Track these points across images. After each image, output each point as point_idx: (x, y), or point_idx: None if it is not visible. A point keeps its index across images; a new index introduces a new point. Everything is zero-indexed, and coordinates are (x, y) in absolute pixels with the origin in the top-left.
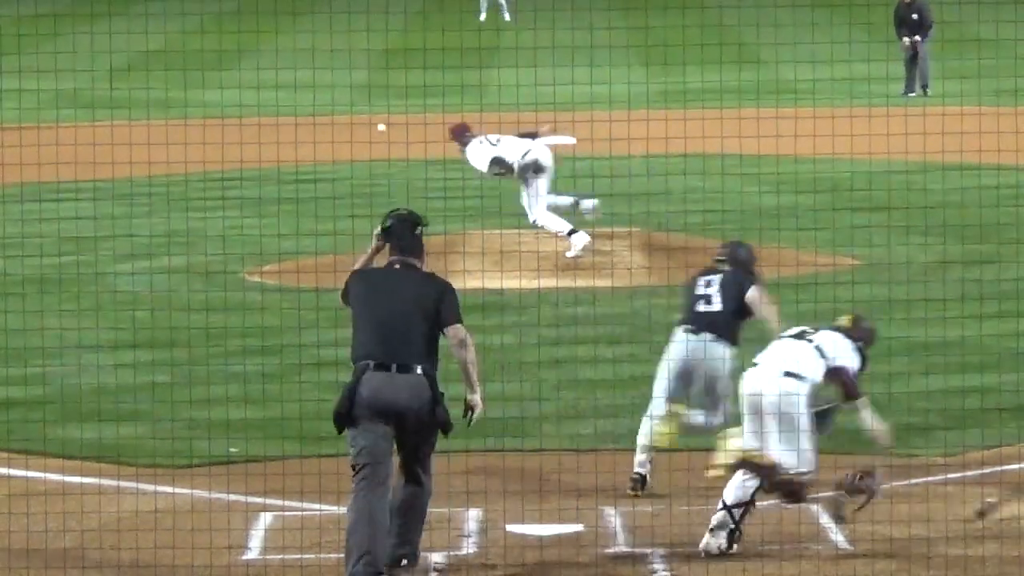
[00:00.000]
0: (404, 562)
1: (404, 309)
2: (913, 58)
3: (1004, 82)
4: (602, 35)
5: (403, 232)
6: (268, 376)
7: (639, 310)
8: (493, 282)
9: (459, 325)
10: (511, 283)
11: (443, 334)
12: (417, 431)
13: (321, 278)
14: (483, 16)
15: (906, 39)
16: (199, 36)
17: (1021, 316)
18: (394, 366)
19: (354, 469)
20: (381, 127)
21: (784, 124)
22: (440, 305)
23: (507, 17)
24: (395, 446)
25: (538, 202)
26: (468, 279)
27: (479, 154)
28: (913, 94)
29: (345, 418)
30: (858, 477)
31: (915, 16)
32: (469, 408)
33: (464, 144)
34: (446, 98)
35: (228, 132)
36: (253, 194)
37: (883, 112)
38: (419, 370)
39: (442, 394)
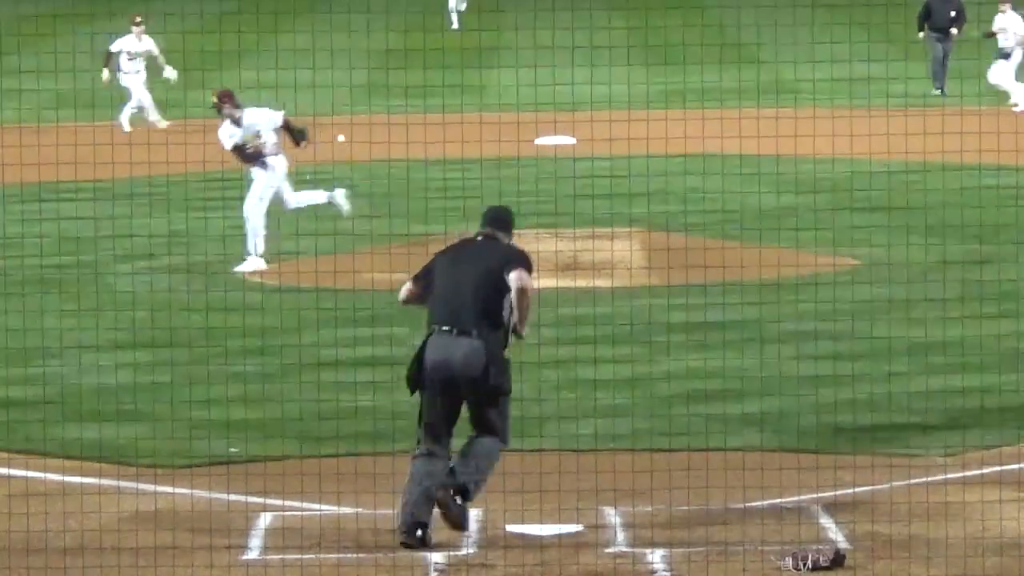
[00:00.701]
0: (456, 497)
1: (472, 276)
2: (943, 56)
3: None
4: (602, 35)
5: (499, 211)
6: (268, 376)
7: (639, 310)
8: None
9: (522, 271)
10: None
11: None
12: (474, 394)
13: (321, 278)
14: (455, 24)
15: (926, 35)
16: (199, 36)
17: (1021, 316)
18: (454, 330)
19: (418, 441)
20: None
21: (784, 124)
22: (506, 261)
23: (455, 25)
24: (454, 417)
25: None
26: None
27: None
28: (945, 92)
29: (415, 382)
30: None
31: (952, 13)
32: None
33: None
34: (446, 98)
35: None
36: None
37: (883, 112)
38: (477, 334)
39: (507, 360)
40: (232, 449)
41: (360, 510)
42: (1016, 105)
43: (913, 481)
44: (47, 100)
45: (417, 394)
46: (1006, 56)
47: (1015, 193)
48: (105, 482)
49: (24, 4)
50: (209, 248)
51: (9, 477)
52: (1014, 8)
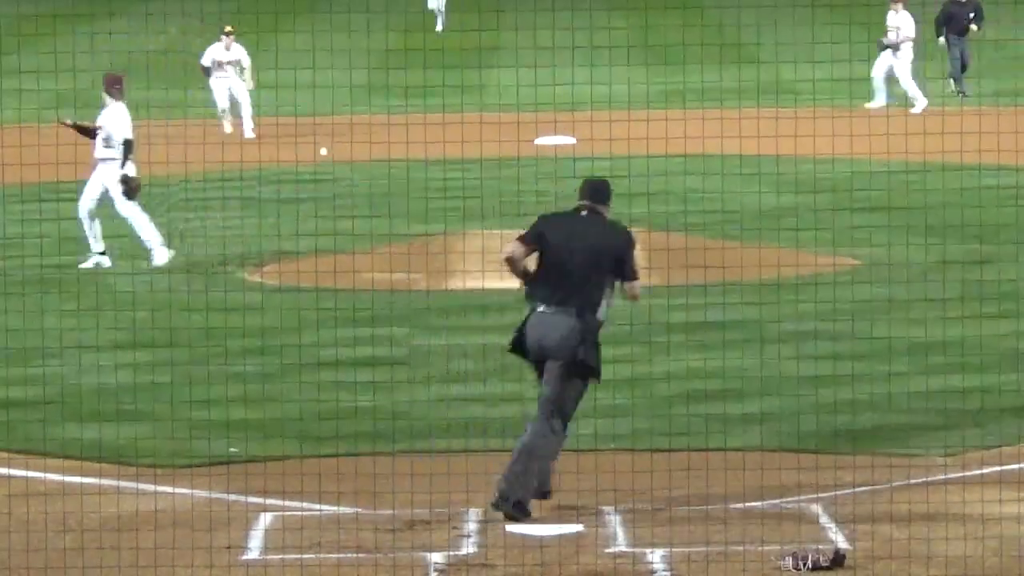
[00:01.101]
0: (514, 507)
1: (578, 255)
2: (963, 57)
3: (1004, 82)
4: (602, 35)
5: (597, 183)
6: (268, 376)
7: (639, 310)
8: (493, 282)
9: (637, 283)
10: (511, 283)
11: (621, 286)
12: (565, 371)
13: (321, 278)
14: (439, 27)
15: (941, 39)
16: (199, 36)
17: (1021, 316)
18: (555, 309)
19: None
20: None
21: (784, 124)
22: (622, 257)
23: (439, 27)
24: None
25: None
26: (468, 279)
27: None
28: (966, 94)
29: (518, 348)
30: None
31: (972, 15)
32: None
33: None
34: (446, 98)
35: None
36: (253, 194)
37: (883, 112)
38: (576, 313)
39: (598, 343)
40: (232, 449)
41: (360, 510)
42: (914, 106)
43: (913, 481)
44: (47, 100)
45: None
46: (894, 49)
47: (1015, 193)
48: (105, 482)
49: (24, 4)
50: (209, 248)
51: (9, 477)
52: (905, 7)
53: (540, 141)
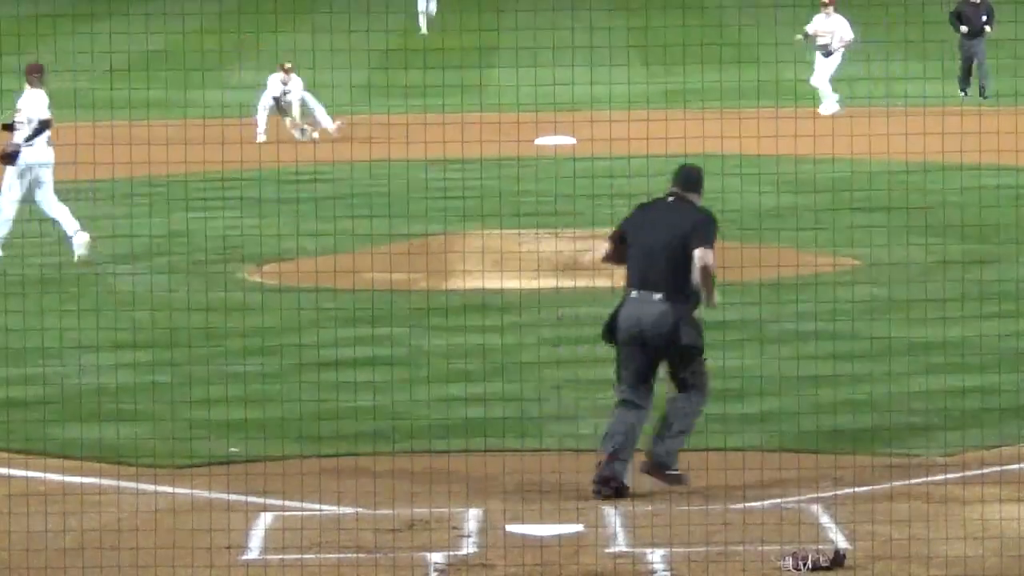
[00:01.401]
0: (659, 465)
1: (662, 238)
2: (971, 59)
3: (1004, 82)
4: (602, 35)
5: (689, 170)
6: (268, 376)
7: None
8: (493, 282)
9: (705, 249)
10: (511, 283)
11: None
12: (666, 353)
13: (321, 278)
14: (423, 30)
15: (959, 39)
16: (199, 36)
17: (1021, 316)
18: (645, 294)
19: (615, 385)
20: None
21: (784, 124)
22: (692, 230)
23: (423, 30)
24: (649, 373)
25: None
26: (468, 279)
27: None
28: (974, 95)
29: (610, 335)
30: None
31: (984, 17)
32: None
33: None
34: (446, 98)
35: (228, 132)
36: (253, 194)
37: (883, 112)
38: (666, 297)
39: (698, 320)
40: (232, 449)
41: (360, 510)
42: (822, 109)
43: (913, 481)
44: None
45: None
46: (828, 54)
47: (1015, 193)
48: (105, 482)
49: (24, 4)
50: (209, 248)
51: (9, 477)
52: (836, 10)
53: (540, 141)
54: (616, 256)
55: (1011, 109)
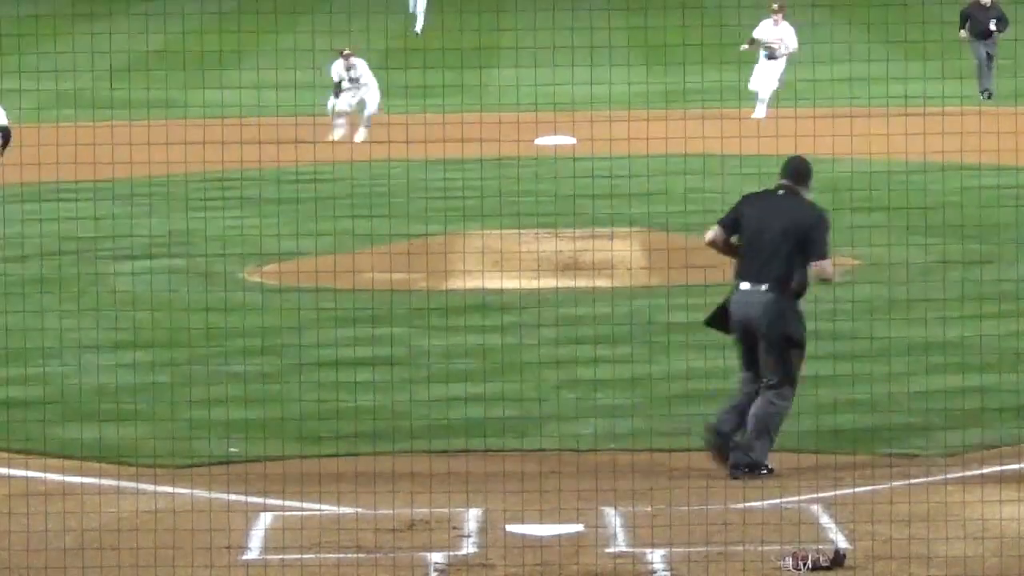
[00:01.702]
0: (746, 469)
1: (772, 231)
2: (988, 60)
3: (1004, 82)
4: (602, 35)
5: (798, 163)
6: (268, 376)
7: (639, 310)
8: (493, 282)
9: (825, 262)
10: (511, 283)
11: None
12: (768, 344)
13: (321, 278)
14: (419, 28)
15: (969, 39)
16: (199, 36)
17: (1021, 316)
18: (753, 285)
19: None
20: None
21: (784, 124)
22: (810, 235)
23: (417, 31)
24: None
25: None
26: (468, 279)
27: None
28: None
29: (717, 323)
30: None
31: (993, 21)
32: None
33: None
34: (446, 98)
35: (228, 132)
36: (253, 194)
37: (883, 112)
38: (771, 287)
39: (800, 312)
40: (232, 449)
41: (360, 510)
42: (753, 113)
43: (913, 481)
44: (47, 100)
45: None
46: (772, 57)
47: (1015, 193)
48: (105, 482)
49: (24, 4)
50: (209, 248)
51: (9, 477)
52: (784, 18)
53: (540, 141)
54: (724, 245)
55: (1011, 109)
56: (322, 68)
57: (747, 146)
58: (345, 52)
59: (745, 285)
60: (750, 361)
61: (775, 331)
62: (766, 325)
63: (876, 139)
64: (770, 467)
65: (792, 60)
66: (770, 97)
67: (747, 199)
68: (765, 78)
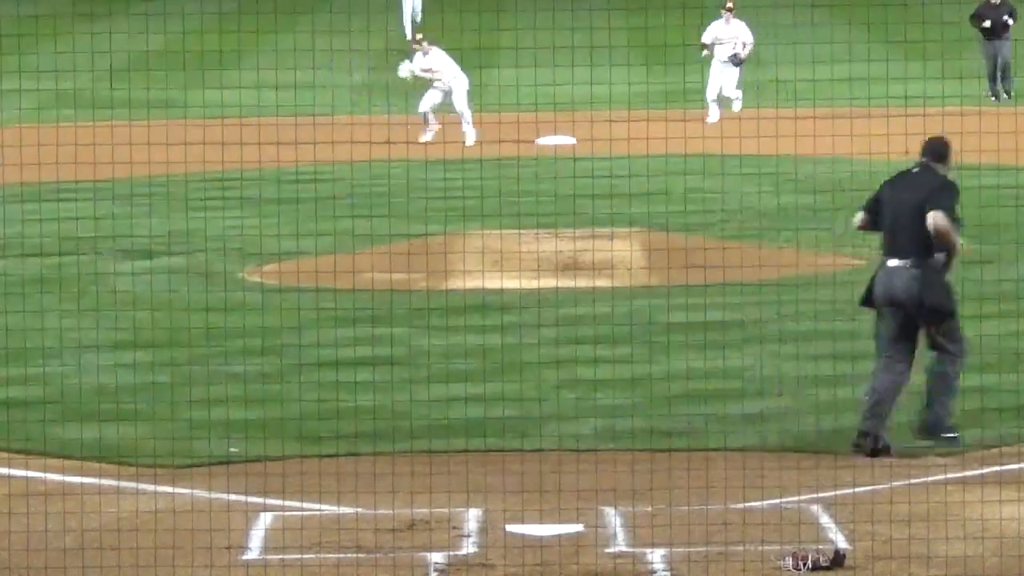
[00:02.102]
0: (931, 430)
1: (907, 207)
2: (995, 59)
3: (1003, 82)
4: (602, 35)
5: (934, 142)
6: (268, 376)
7: (639, 310)
8: (493, 282)
9: (938, 213)
10: (511, 283)
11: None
12: (919, 315)
13: (321, 278)
14: (409, 35)
15: (981, 41)
16: (199, 36)
17: (1021, 316)
18: (895, 260)
19: (877, 350)
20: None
21: (784, 124)
22: (933, 194)
23: (408, 36)
24: (907, 335)
25: None
26: (468, 279)
27: None
28: (995, 98)
29: (866, 301)
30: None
31: (1006, 17)
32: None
33: None
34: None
35: (228, 132)
36: (253, 194)
37: (883, 112)
38: (914, 263)
39: (947, 283)
40: (232, 449)
41: (360, 510)
42: (708, 118)
43: (913, 481)
44: (47, 100)
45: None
46: (739, 62)
47: (1015, 193)
48: (105, 482)
49: (24, 4)
50: (209, 248)
51: (9, 477)
52: (735, 16)
53: (540, 141)
54: (871, 224)
55: (1011, 109)
56: (391, 68)
57: (747, 146)
58: (418, 37)
59: (893, 262)
60: (896, 335)
61: (923, 304)
62: (912, 300)
63: (876, 139)
64: (956, 433)
65: (760, 60)
66: (719, 97)
67: (887, 181)
68: (721, 82)
